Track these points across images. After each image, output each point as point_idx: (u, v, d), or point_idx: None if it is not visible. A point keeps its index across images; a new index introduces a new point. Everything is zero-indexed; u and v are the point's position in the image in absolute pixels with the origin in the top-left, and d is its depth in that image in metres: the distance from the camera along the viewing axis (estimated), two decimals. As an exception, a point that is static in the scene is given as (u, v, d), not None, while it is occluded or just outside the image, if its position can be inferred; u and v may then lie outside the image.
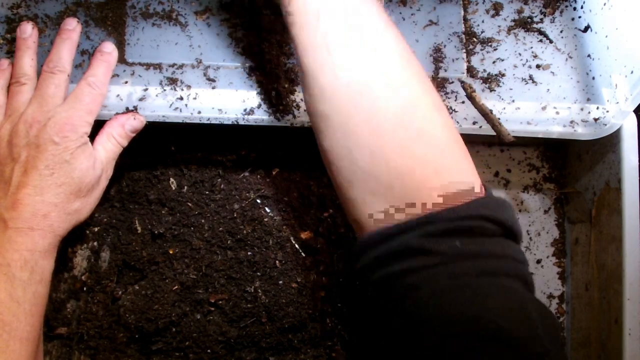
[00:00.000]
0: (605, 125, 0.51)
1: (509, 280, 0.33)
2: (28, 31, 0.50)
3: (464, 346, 0.30)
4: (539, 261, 0.61)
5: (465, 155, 0.37)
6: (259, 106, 0.50)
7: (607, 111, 0.51)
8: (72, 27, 0.50)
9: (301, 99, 0.51)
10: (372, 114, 0.36)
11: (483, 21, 0.56)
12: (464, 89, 0.50)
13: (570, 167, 0.62)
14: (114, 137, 0.49)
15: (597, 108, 0.51)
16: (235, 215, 0.55)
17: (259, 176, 0.57)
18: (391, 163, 0.35)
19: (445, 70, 0.54)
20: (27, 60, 0.49)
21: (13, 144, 0.45)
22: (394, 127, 0.35)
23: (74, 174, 0.45)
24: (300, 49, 0.38)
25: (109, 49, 0.51)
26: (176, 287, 0.54)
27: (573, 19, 0.56)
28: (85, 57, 0.53)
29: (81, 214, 0.47)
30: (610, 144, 0.54)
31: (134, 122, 0.49)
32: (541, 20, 0.56)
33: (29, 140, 0.44)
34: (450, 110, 0.52)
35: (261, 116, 0.50)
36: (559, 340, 0.32)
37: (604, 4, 0.53)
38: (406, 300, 0.33)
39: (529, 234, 0.62)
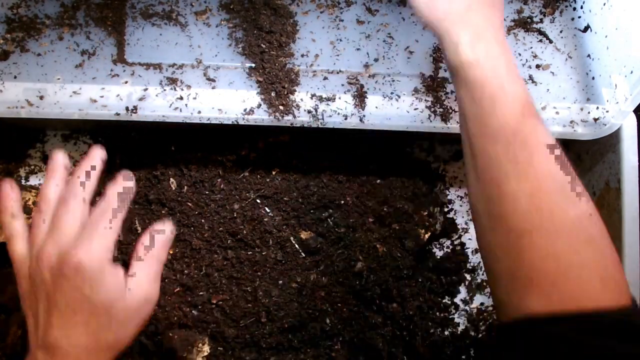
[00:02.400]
0: (605, 125, 0.51)
1: None
2: (59, 162, 0.44)
3: None
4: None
5: (623, 274, 0.37)
6: (259, 106, 0.51)
7: (607, 111, 0.51)
8: (95, 162, 0.44)
9: (301, 99, 0.51)
10: (550, 220, 0.36)
11: (483, 21, 0.56)
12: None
13: (570, 167, 0.62)
14: (153, 257, 0.43)
15: (597, 108, 0.51)
16: (235, 215, 0.55)
17: (259, 176, 0.57)
18: (561, 261, 0.35)
19: (445, 70, 0.54)
20: (52, 189, 0.43)
21: (32, 281, 0.42)
22: (568, 230, 0.36)
23: (97, 310, 0.40)
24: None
25: (126, 177, 0.44)
26: (177, 289, 0.54)
27: (573, 19, 0.56)
28: (85, 57, 0.53)
29: (120, 344, 0.42)
30: (610, 144, 0.54)
31: (168, 235, 0.45)
32: (541, 21, 0.56)
33: (43, 277, 0.41)
34: (450, 110, 0.52)
35: (261, 116, 0.50)
36: None
37: (604, 4, 0.53)
38: None
39: (528, 234, 0.62)
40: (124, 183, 0.44)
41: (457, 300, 0.59)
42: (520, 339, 0.36)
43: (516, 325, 0.37)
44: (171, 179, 0.56)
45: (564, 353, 0.34)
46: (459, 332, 0.58)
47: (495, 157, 0.38)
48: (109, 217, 0.42)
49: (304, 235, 0.56)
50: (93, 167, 0.44)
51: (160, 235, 0.44)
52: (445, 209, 0.61)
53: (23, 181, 0.58)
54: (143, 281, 0.42)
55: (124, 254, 0.55)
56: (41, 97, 0.50)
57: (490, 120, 0.38)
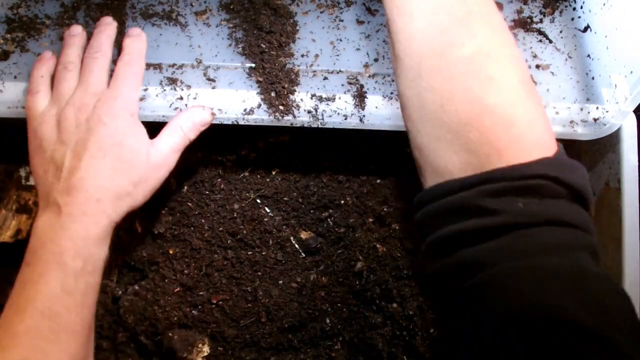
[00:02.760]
0: (605, 125, 0.51)
1: (579, 253, 0.30)
2: (78, 30, 0.51)
3: (545, 342, 0.27)
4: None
5: (541, 113, 0.35)
6: (259, 106, 0.51)
7: (607, 111, 0.51)
8: (109, 22, 0.51)
9: (301, 99, 0.51)
10: (444, 58, 0.34)
11: (483, 21, 0.56)
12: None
13: (570, 167, 0.62)
14: (182, 129, 0.48)
15: (597, 108, 0.51)
16: (235, 215, 0.55)
17: (259, 176, 0.57)
18: (460, 110, 0.33)
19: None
20: (74, 50, 0.49)
21: (62, 128, 0.45)
22: (464, 72, 0.34)
23: (124, 156, 0.45)
24: None
25: (136, 31, 0.51)
26: (177, 289, 0.54)
27: (573, 19, 0.56)
28: (85, 57, 0.53)
29: (135, 200, 0.46)
30: (609, 144, 0.54)
31: (204, 115, 0.49)
32: (541, 21, 0.56)
33: (78, 123, 0.45)
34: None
35: (261, 116, 0.50)
36: (637, 331, 0.29)
37: (604, 4, 0.53)
38: (468, 278, 0.31)
39: (528, 234, 0.62)
40: (137, 35, 0.50)
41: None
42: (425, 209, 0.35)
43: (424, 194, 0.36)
44: (171, 179, 0.56)
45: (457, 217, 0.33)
46: (458, 332, 0.58)
47: None
48: (134, 68, 0.48)
49: (304, 235, 0.56)
50: (109, 32, 0.50)
51: (196, 116, 0.49)
52: (445, 209, 0.61)
53: (23, 181, 0.58)
54: (165, 147, 0.47)
55: (123, 254, 0.55)
56: (41, 97, 0.49)
57: None
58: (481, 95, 0.33)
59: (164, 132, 0.48)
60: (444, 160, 0.34)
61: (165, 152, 0.47)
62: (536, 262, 0.30)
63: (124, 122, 0.45)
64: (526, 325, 0.28)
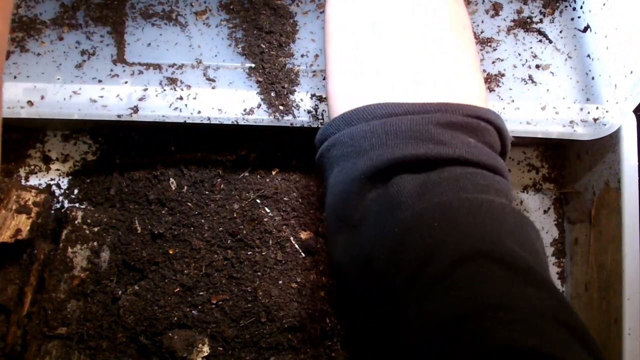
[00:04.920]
0: (605, 125, 0.51)
1: (504, 199, 0.31)
2: None
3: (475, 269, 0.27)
4: (538, 261, 0.61)
5: (477, 82, 0.34)
6: (259, 106, 0.51)
7: (607, 111, 0.51)
8: None
9: (301, 99, 0.51)
10: (378, 16, 0.34)
11: (482, 21, 0.56)
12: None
13: (569, 167, 0.62)
14: None
15: (597, 108, 0.51)
16: (235, 215, 0.55)
17: (259, 176, 0.57)
18: (397, 67, 0.33)
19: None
20: None
21: None
22: (404, 34, 0.34)
23: None
24: None
25: None
26: (177, 289, 0.54)
27: (572, 19, 0.56)
28: (84, 57, 0.53)
29: None
30: (610, 144, 0.54)
31: None
32: (541, 21, 0.56)
33: None
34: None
35: (261, 116, 0.50)
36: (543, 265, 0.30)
37: (604, 4, 0.53)
38: (409, 206, 0.30)
39: (528, 234, 0.62)
40: None
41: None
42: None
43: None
44: (171, 179, 0.56)
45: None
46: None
47: None
48: None
49: (303, 235, 0.56)
50: None
51: None
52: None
53: (23, 181, 0.58)
54: None
55: (123, 254, 0.55)
56: (41, 97, 0.50)
57: None
58: (417, 59, 0.33)
59: None
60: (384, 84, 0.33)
61: None
62: (478, 197, 0.30)
63: None
64: (471, 260, 0.27)
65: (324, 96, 0.51)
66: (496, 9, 0.56)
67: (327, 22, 0.37)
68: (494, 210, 0.30)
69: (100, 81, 0.52)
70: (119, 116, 0.49)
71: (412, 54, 0.34)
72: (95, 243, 0.56)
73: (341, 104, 0.34)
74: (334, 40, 0.36)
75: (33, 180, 0.59)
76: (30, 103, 0.49)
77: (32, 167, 0.59)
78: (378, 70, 0.34)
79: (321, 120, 0.51)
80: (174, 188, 0.56)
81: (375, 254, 0.31)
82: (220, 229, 0.55)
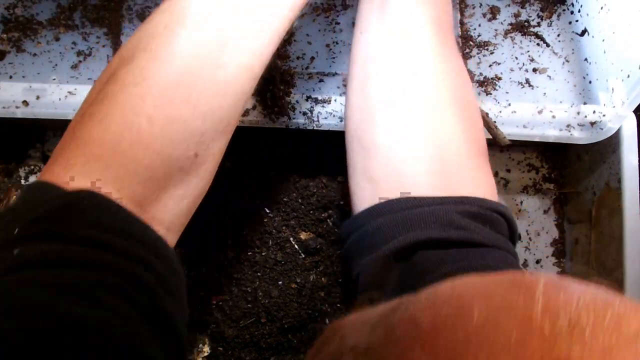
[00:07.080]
0: (602, 129, 0.51)
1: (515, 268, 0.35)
2: None
3: None
4: (538, 261, 0.62)
5: (486, 174, 0.38)
6: (254, 108, 0.51)
7: (604, 115, 0.51)
8: None
9: (296, 101, 0.51)
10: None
11: (480, 25, 0.56)
12: (462, 92, 0.50)
13: (570, 167, 0.62)
14: None
15: (594, 112, 0.52)
16: (235, 215, 0.56)
17: (258, 177, 0.57)
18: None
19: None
20: None
21: None
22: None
23: None
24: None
25: None
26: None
27: (570, 23, 0.57)
28: (80, 57, 0.53)
29: None
30: (610, 144, 0.54)
31: None
32: (538, 24, 0.56)
33: None
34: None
35: (256, 118, 0.50)
36: None
37: (601, 8, 0.53)
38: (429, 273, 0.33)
39: (528, 234, 0.62)
40: None
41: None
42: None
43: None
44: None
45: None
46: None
47: None
48: None
49: (303, 235, 0.56)
50: None
51: None
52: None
53: (23, 181, 0.58)
54: None
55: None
56: (37, 97, 0.49)
57: None
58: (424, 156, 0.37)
59: None
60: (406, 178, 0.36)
61: None
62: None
63: None
64: None
65: (319, 98, 0.51)
66: (493, 13, 0.57)
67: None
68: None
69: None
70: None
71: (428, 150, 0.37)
72: (94, 244, 0.56)
73: (366, 200, 0.37)
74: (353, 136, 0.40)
75: (33, 180, 0.58)
76: (25, 103, 0.49)
77: (32, 167, 0.59)
78: (395, 167, 0.37)
79: (316, 122, 0.51)
80: (173, 189, 0.56)
81: None
82: (220, 229, 0.55)
